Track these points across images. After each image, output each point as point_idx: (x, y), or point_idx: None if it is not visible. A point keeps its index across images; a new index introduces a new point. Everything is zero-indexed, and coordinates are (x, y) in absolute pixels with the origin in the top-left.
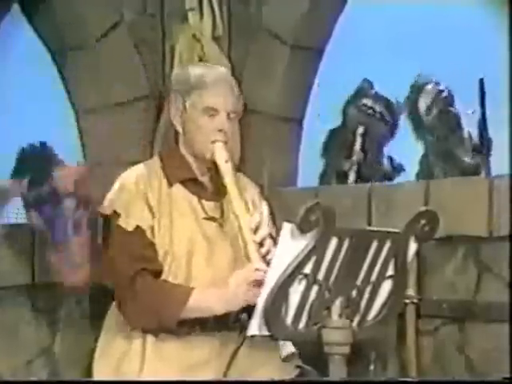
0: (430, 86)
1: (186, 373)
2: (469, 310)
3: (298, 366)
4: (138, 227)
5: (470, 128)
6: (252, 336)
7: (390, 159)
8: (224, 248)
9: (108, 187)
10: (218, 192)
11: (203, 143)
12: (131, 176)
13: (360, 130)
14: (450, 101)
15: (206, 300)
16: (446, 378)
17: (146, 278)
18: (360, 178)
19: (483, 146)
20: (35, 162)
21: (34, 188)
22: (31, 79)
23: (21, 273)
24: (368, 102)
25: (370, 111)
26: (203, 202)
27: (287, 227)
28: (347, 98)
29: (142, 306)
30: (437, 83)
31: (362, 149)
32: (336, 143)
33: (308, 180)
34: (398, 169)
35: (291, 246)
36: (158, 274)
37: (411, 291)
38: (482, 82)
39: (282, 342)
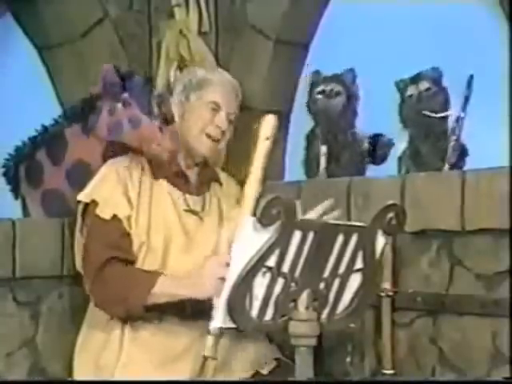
0: (414, 86)
1: (164, 362)
2: (442, 303)
3: (276, 359)
4: (114, 216)
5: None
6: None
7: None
8: (202, 241)
9: None
10: (202, 186)
11: (198, 133)
12: (112, 167)
13: (320, 115)
14: (435, 103)
15: (172, 286)
16: (420, 370)
17: (115, 265)
18: (331, 160)
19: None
20: None
21: None
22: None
23: (2, 266)
24: (319, 88)
25: (322, 96)
26: (185, 195)
27: (248, 220)
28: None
29: (110, 292)
30: (424, 82)
31: (329, 131)
32: (312, 140)
33: (296, 174)
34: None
35: (253, 239)
36: (129, 263)
37: (387, 284)
38: (471, 79)
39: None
